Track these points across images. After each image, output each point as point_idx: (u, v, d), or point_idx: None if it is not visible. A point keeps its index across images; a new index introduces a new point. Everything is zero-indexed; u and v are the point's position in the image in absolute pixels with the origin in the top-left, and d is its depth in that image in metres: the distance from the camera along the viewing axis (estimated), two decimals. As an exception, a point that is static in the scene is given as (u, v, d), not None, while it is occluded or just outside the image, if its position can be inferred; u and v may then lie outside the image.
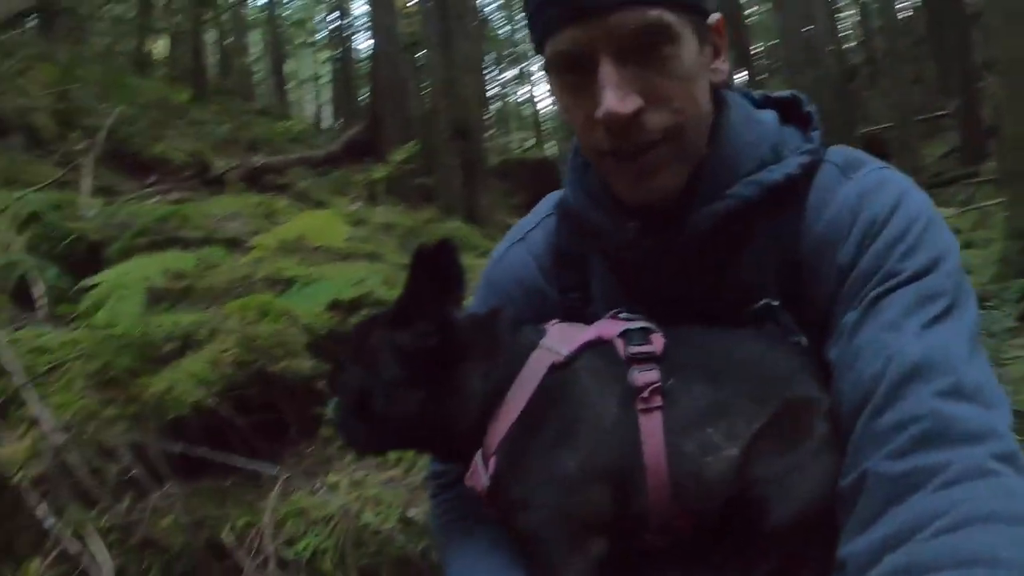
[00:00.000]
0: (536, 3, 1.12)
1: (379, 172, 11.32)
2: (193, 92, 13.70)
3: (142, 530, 2.09)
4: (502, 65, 41.90)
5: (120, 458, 2.22)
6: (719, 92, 1.24)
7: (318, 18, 31.83)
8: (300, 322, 3.21)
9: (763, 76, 27.94)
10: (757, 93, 1.34)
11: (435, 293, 1.18)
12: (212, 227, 5.22)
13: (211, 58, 21.56)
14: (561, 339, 1.18)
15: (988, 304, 5.53)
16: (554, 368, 1.14)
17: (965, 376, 0.96)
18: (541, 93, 40.93)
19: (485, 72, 31.14)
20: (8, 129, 6.06)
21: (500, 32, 38.42)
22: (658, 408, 1.09)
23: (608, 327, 1.19)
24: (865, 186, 1.16)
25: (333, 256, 5.05)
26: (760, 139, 1.21)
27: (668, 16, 1.05)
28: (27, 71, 7.66)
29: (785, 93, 1.33)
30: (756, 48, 29.77)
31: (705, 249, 1.21)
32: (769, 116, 1.27)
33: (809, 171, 1.19)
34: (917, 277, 1.05)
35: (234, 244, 4.94)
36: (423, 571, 2.36)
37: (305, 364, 3.00)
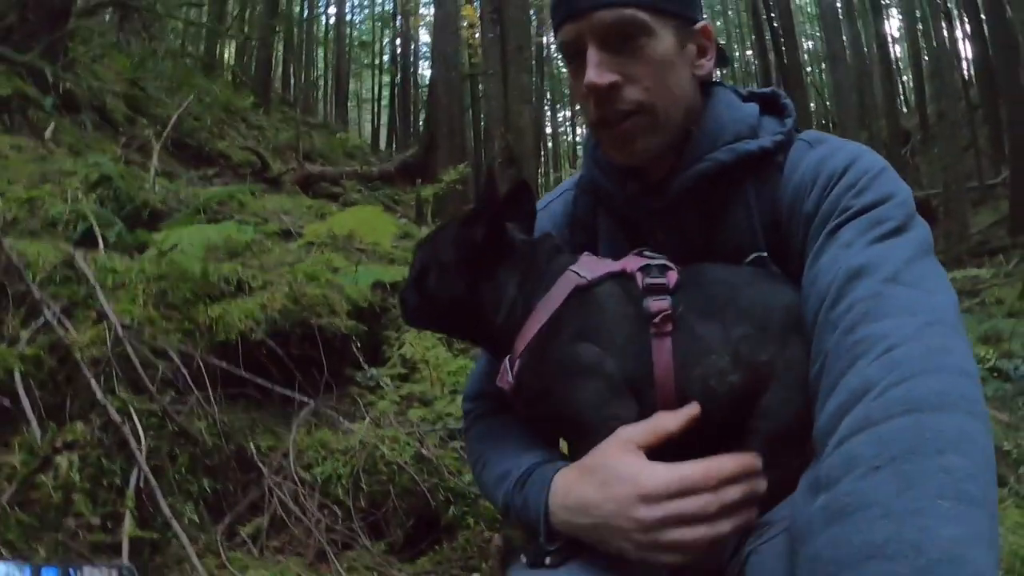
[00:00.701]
0: (551, 8, 1.41)
1: (428, 191, 11.50)
2: (256, 99, 14.09)
3: (178, 422, 2.27)
4: (558, 105, 42.50)
5: (170, 361, 2.41)
6: (710, 86, 1.48)
7: (385, 41, 32.46)
8: (345, 292, 3.40)
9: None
10: (743, 89, 1.55)
11: (496, 207, 1.36)
12: (267, 217, 5.45)
13: (277, 69, 22.09)
14: (589, 267, 1.35)
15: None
16: (578, 289, 1.31)
17: (906, 271, 1.10)
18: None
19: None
20: (80, 107, 6.35)
21: (561, 72, 38.84)
22: (668, 334, 1.25)
23: (631, 262, 1.36)
24: (826, 151, 1.34)
25: (379, 258, 5.25)
26: (740, 120, 1.43)
27: (642, 15, 1.30)
28: (102, 59, 8.02)
29: (767, 89, 1.54)
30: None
31: (692, 206, 1.42)
32: (751, 107, 1.47)
33: (782, 147, 1.40)
34: (867, 209, 1.20)
35: (287, 235, 5.17)
36: (429, 505, 2.52)
37: (346, 323, 3.19)
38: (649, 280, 1.29)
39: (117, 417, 2.10)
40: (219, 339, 2.63)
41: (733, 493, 1.10)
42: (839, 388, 1.01)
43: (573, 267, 1.34)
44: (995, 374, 5.61)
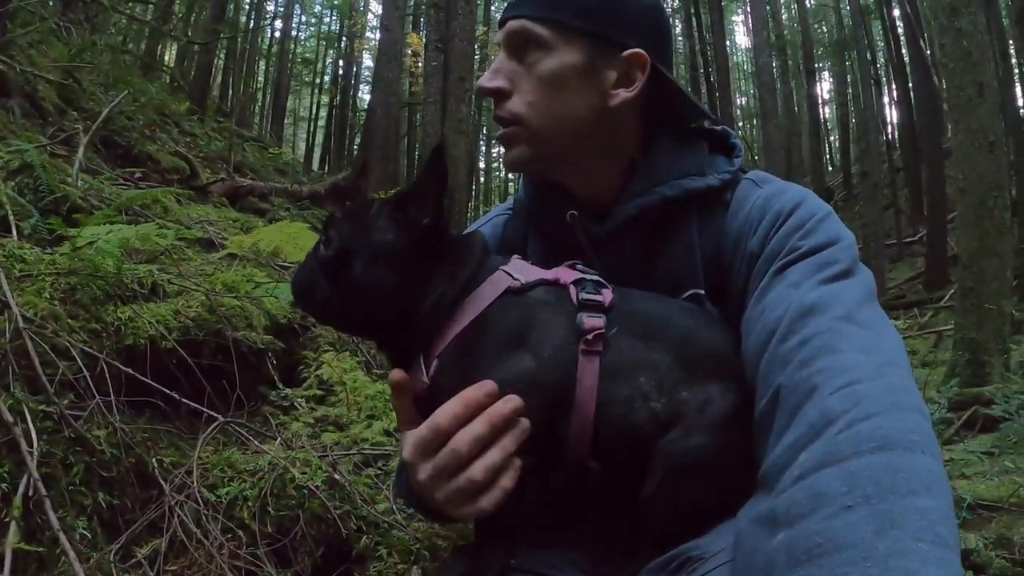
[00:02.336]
0: None
1: (356, 214, 11.34)
2: (192, 105, 13.82)
3: (76, 428, 2.11)
4: (493, 140, 42.76)
5: (71, 361, 2.24)
6: (657, 117, 1.47)
7: (327, 61, 32.37)
8: (265, 306, 3.28)
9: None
10: (694, 126, 1.55)
11: (441, 188, 1.26)
12: (190, 225, 5.31)
13: (217, 77, 21.78)
14: (521, 271, 1.29)
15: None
16: (510, 291, 1.24)
17: (858, 311, 1.09)
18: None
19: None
20: (10, 92, 6.09)
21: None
22: (598, 353, 1.19)
23: (565, 273, 1.31)
24: (772, 191, 1.37)
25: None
26: (690, 156, 1.44)
27: (539, 28, 1.35)
28: (39, 44, 7.75)
29: (717, 127, 1.55)
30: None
31: (634, 237, 1.42)
32: (700, 144, 1.49)
33: (729, 185, 1.42)
34: (816, 251, 1.21)
35: (209, 245, 5.03)
36: (340, 533, 2.40)
37: (263, 338, 3.07)
38: (585, 295, 1.25)
39: (9, 416, 1.94)
40: (126, 343, 2.48)
41: (478, 428, 1.08)
42: (797, 421, 0.98)
43: (505, 268, 1.29)
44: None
